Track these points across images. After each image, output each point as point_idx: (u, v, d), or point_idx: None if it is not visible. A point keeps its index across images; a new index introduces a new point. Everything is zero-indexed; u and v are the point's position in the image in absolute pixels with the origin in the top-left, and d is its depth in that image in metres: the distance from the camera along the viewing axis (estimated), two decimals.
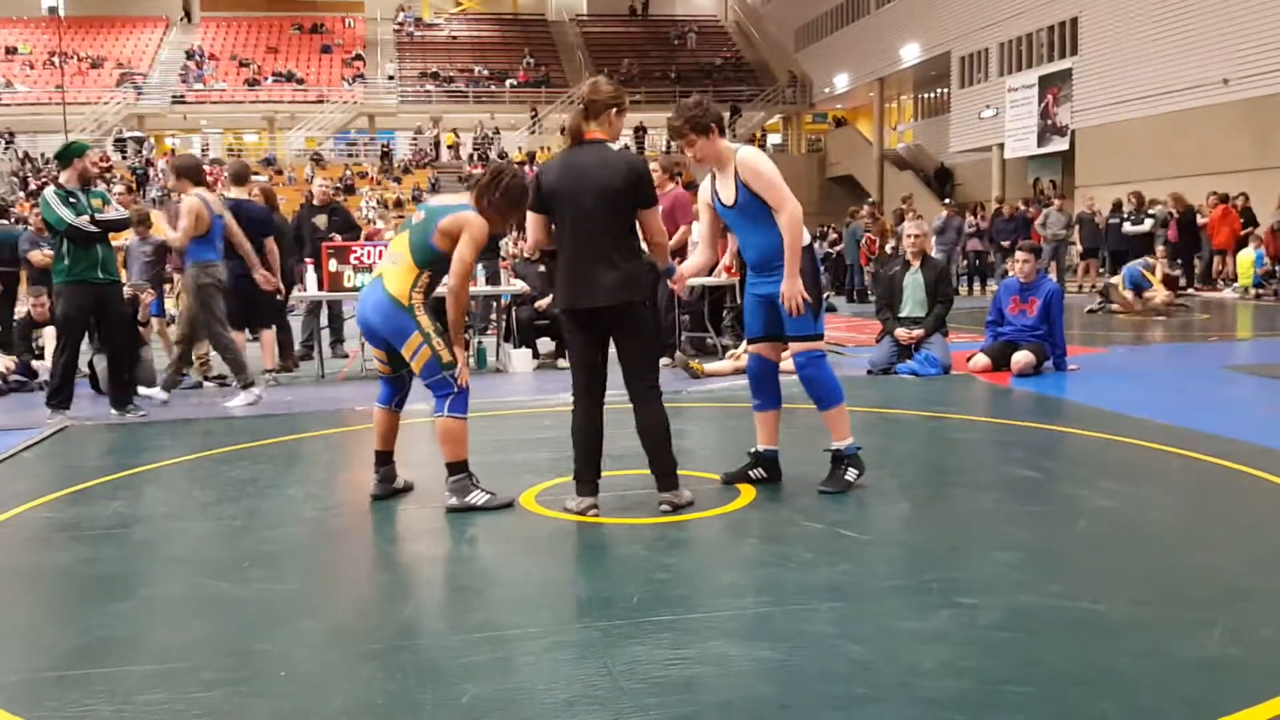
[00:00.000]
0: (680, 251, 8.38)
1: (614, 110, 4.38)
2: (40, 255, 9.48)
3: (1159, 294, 13.59)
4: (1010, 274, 8.88)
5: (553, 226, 4.39)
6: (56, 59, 38.03)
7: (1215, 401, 7.06)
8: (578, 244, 4.26)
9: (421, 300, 4.46)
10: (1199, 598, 3.28)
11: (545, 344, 10.04)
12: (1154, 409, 6.48)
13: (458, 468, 4.50)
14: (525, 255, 11.63)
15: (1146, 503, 4.47)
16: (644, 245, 4.43)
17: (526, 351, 9.68)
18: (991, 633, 3.01)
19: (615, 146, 4.45)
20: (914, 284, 8.66)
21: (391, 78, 42.50)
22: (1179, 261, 17.72)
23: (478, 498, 4.49)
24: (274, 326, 9.13)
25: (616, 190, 4.25)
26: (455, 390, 4.45)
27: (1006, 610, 3.17)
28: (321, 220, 10.61)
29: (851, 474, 4.68)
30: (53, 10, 41.55)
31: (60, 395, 7.12)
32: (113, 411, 7.28)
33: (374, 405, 4.83)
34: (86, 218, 6.94)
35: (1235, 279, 17.25)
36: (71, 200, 6.98)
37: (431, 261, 4.47)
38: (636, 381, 4.37)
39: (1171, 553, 3.80)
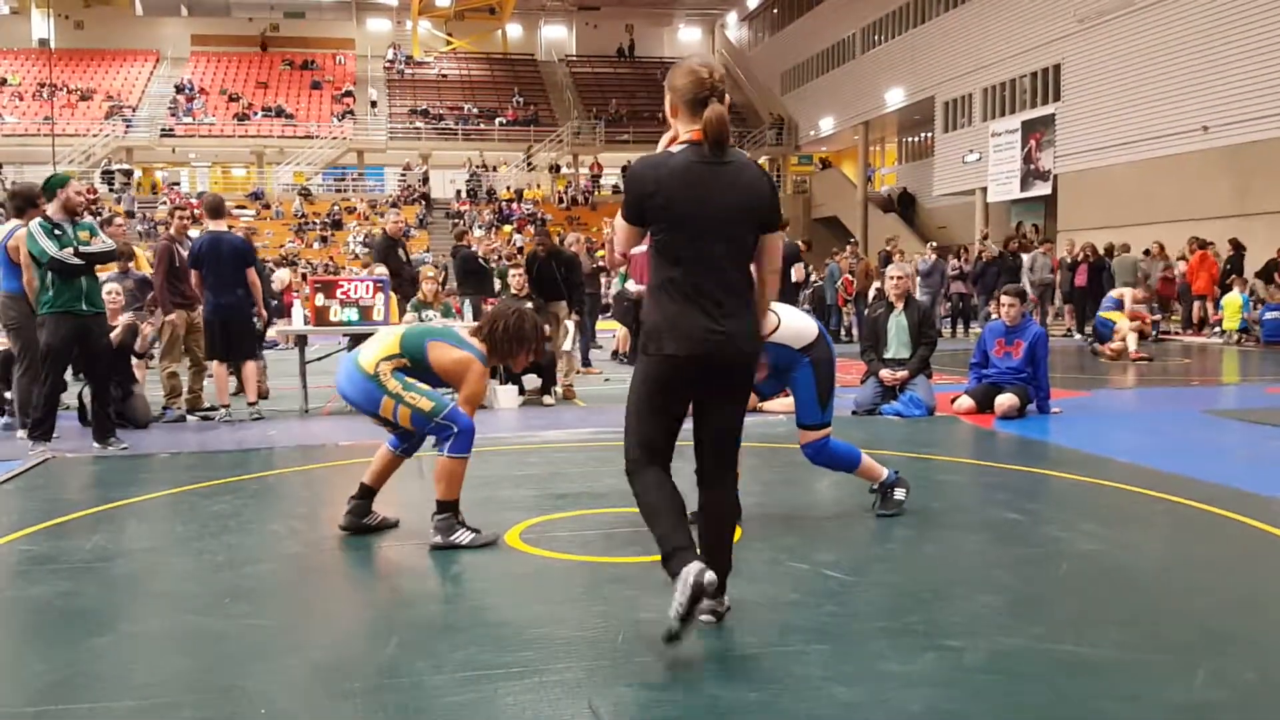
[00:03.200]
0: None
1: None
2: None
3: (1124, 336, 13.73)
4: (994, 317, 8.95)
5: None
6: (46, 91, 38.09)
7: (1196, 446, 7.10)
8: (701, 274, 3.27)
9: (389, 371, 4.50)
10: (1182, 641, 3.29)
11: (531, 380, 10.04)
12: (1136, 452, 6.52)
13: (446, 506, 4.49)
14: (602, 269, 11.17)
15: (1129, 546, 4.49)
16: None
17: (512, 388, 9.67)
18: (976, 675, 3.01)
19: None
20: (898, 326, 8.73)
21: (374, 102, 42.69)
22: (1155, 306, 17.87)
23: (462, 536, 4.47)
24: (254, 358, 9.11)
25: (754, 211, 3.35)
26: (455, 431, 4.47)
27: (990, 653, 3.17)
28: (401, 253, 10.95)
29: (900, 494, 4.95)
30: (43, 42, 41.75)
31: (42, 427, 7.08)
32: (95, 444, 7.23)
33: (371, 441, 4.84)
34: (70, 250, 6.92)
35: (1217, 324, 17.40)
36: (57, 233, 6.96)
37: (415, 358, 4.54)
38: (725, 456, 3.42)
39: (1154, 596, 3.81)
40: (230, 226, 9.14)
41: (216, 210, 8.93)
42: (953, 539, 4.63)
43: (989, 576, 4.02)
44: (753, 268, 3.43)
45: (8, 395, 8.95)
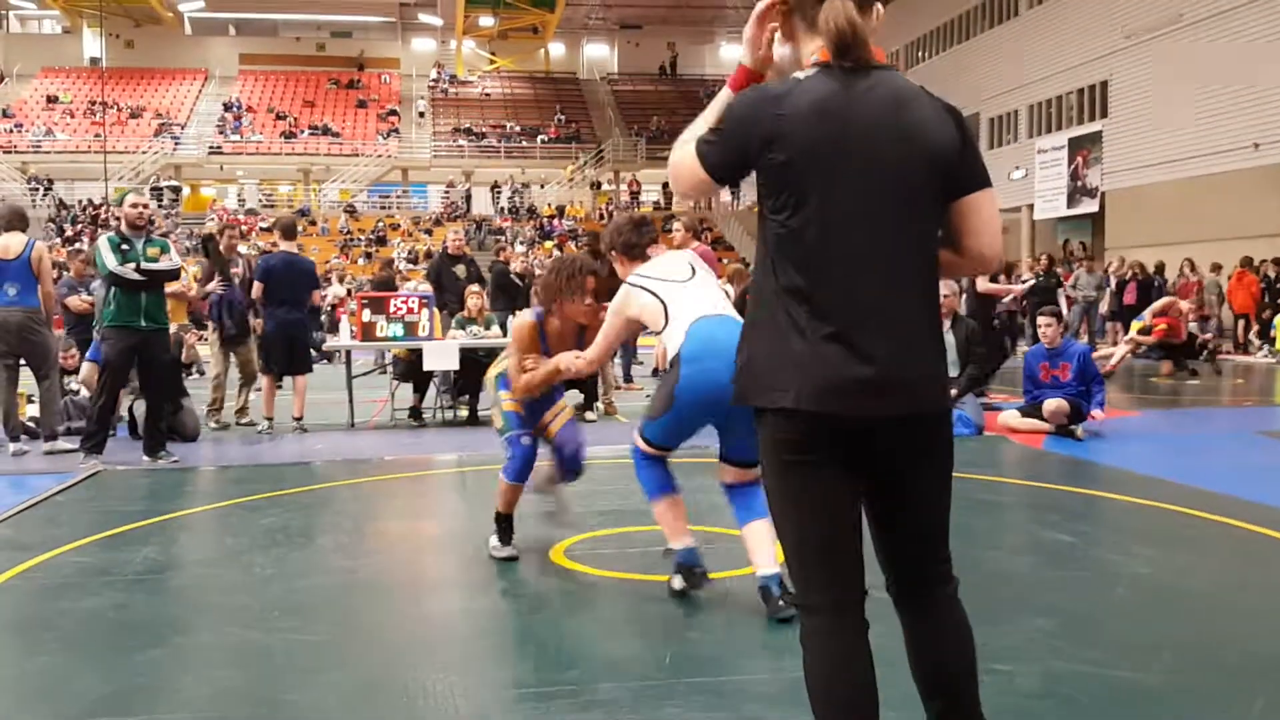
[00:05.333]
0: None
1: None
2: (78, 301, 9.60)
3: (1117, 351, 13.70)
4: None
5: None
6: (97, 108, 38.85)
7: (1251, 467, 6.96)
8: (843, 274, 2.00)
9: (493, 378, 4.73)
10: (1239, 667, 3.22)
11: (574, 396, 10.05)
12: (1189, 474, 6.40)
13: (496, 516, 4.64)
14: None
15: (1184, 569, 4.40)
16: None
17: None
18: (1028, 701, 2.96)
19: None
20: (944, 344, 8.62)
21: (421, 113, 43.07)
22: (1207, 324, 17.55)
23: (491, 542, 4.63)
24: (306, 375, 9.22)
25: (934, 162, 2.03)
26: (510, 454, 4.58)
27: (1043, 677, 3.13)
28: (460, 270, 11.07)
29: (676, 583, 3.99)
30: (94, 61, 42.61)
31: (95, 439, 7.19)
32: (145, 457, 7.33)
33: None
34: (132, 266, 7.07)
35: (1264, 343, 17.09)
36: (123, 248, 7.13)
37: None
38: (932, 562, 2.34)
39: (1210, 621, 3.73)
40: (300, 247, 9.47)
41: (290, 232, 9.49)
42: (1003, 560, 4.57)
43: (1040, 599, 3.95)
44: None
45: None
